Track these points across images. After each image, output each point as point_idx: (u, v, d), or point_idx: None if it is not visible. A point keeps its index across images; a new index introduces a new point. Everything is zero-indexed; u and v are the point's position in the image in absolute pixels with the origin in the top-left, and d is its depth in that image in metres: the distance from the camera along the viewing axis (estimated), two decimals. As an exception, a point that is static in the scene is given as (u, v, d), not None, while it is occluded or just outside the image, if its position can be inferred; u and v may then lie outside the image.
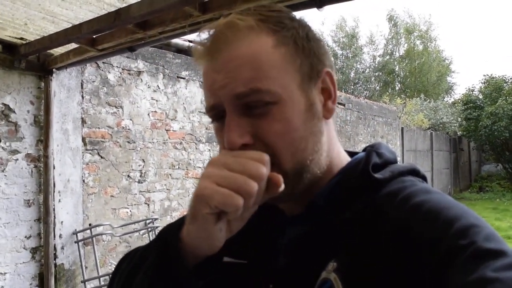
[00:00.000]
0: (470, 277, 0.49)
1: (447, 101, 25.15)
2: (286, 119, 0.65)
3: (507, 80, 18.93)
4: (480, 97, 19.46)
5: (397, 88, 28.34)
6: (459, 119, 19.16)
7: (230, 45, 0.64)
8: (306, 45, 0.68)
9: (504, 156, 18.39)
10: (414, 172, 0.71)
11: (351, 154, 0.79)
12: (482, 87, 19.63)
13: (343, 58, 27.76)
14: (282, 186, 0.62)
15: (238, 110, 0.65)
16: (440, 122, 17.54)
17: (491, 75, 19.44)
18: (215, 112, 0.68)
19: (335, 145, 0.74)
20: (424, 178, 0.72)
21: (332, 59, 0.75)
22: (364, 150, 0.76)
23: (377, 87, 28.09)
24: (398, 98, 19.52)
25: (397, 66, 28.13)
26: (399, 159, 11.90)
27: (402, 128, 12.61)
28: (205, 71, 0.68)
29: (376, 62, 28.23)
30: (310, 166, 0.67)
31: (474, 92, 20.31)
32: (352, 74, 27.60)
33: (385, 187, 0.66)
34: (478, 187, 19.02)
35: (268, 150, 0.63)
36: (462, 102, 20.02)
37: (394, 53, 28.40)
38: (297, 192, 0.68)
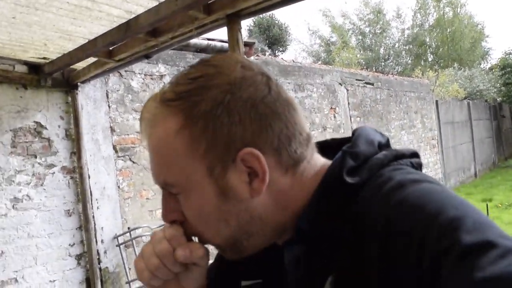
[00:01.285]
0: (459, 284, 0.46)
1: (484, 67, 24.26)
2: (195, 208, 0.66)
3: (545, 39, 18.05)
4: (518, 59, 18.70)
5: (429, 59, 27.54)
6: (498, 84, 18.48)
7: (147, 134, 0.67)
8: (213, 125, 0.62)
9: (549, 119, 17.62)
10: (396, 157, 0.67)
11: (338, 144, 0.74)
12: (520, 49, 18.83)
13: (370, 35, 27.20)
14: (196, 254, 0.70)
15: (165, 191, 0.69)
16: (477, 90, 16.96)
17: (528, 35, 18.59)
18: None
19: (307, 187, 0.68)
20: (413, 155, 0.69)
21: (275, 123, 0.64)
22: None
23: (409, 61, 27.38)
24: (431, 70, 18.96)
25: (427, 37, 27.27)
26: (435, 133, 11.63)
27: (437, 101, 12.28)
28: None
29: (406, 35, 27.49)
30: (244, 236, 0.67)
31: (511, 55, 19.51)
32: (382, 51, 26.98)
33: (363, 190, 0.63)
34: (524, 153, 18.36)
35: (195, 230, 0.69)
36: (500, 67, 19.29)
37: (424, 24, 27.55)
38: (252, 249, 0.70)
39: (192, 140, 0.62)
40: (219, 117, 0.61)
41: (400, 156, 0.68)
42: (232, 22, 2.44)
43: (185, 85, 0.64)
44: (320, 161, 0.71)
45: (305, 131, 0.68)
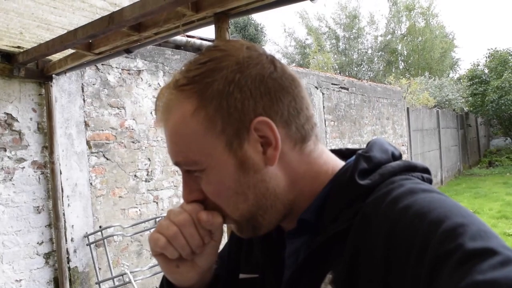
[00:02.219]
0: (459, 285, 0.47)
1: (452, 77, 24.93)
2: (216, 183, 0.69)
3: (512, 53, 18.69)
4: (486, 71, 19.26)
5: (400, 67, 28.10)
6: (465, 95, 19.00)
7: (165, 118, 0.71)
8: (227, 102, 0.66)
9: (513, 130, 18.23)
10: (409, 168, 0.70)
11: (352, 152, 0.78)
12: (487, 61, 19.40)
13: (345, 39, 27.52)
14: (216, 220, 0.72)
15: (185, 172, 0.72)
16: (446, 100, 17.40)
17: (496, 48, 19.20)
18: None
19: (311, 169, 0.73)
20: (424, 171, 0.71)
21: (283, 96, 0.70)
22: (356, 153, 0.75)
23: (381, 67, 27.87)
24: (403, 77, 19.34)
25: (399, 45, 27.84)
26: (405, 139, 11.85)
27: (408, 108, 12.52)
28: None
29: (378, 42, 27.96)
30: (259, 211, 0.70)
31: (479, 66, 20.09)
32: (355, 56, 27.37)
33: (373, 192, 0.65)
34: (487, 162, 18.93)
35: (215, 206, 0.71)
36: (468, 77, 19.81)
37: (396, 31, 28.10)
38: (266, 226, 0.73)
39: (208, 119, 0.67)
40: (232, 94, 0.66)
41: (412, 168, 0.70)
42: (221, 20, 2.37)
43: (196, 70, 0.68)
44: (332, 158, 0.76)
45: (311, 108, 0.74)
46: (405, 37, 27.58)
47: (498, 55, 18.74)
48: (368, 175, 0.67)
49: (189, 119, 0.67)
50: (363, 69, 27.37)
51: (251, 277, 0.83)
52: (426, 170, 0.71)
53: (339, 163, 0.75)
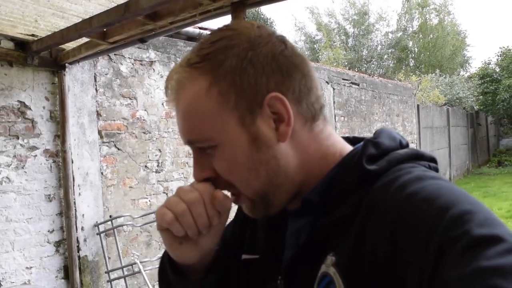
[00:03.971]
0: (464, 270, 0.47)
1: (462, 75, 24.71)
2: (229, 159, 0.69)
3: (524, 52, 18.49)
4: (497, 70, 19.10)
5: (411, 64, 27.90)
6: (476, 93, 18.84)
7: (177, 97, 0.71)
8: (240, 78, 0.67)
9: (523, 129, 18.06)
10: (416, 157, 0.69)
11: (359, 140, 0.79)
12: (499, 59, 19.23)
13: (354, 36, 27.36)
14: (228, 202, 0.72)
15: (197, 150, 0.72)
16: (457, 98, 17.28)
17: (508, 47, 19.03)
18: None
19: (320, 149, 0.73)
20: (431, 160, 0.71)
21: (294, 72, 0.70)
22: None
23: (391, 64, 27.69)
24: (413, 74, 19.21)
25: (410, 42, 27.62)
26: (415, 136, 11.78)
27: (418, 105, 12.43)
28: None
29: (389, 39, 27.76)
30: (271, 189, 0.71)
31: (490, 65, 19.92)
32: (365, 52, 27.20)
33: (380, 178, 0.65)
34: (496, 161, 18.79)
35: (227, 184, 0.72)
36: (479, 76, 19.66)
37: (407, 28, 27.88)
38: (278, 205, 0.73)
39: (221, 95, 0.67)
40: (245, 70, 0.67)
41: (420, 156, 0.70)
42: (238, 10, 2.35)
43: (208, 48, 0.69)
44: (340, 141, 0.76)
45: (319, 88, 0.74)
46: (417, 34, 27.36)
47: (510, 54, 18.58)
48: (376, 161, 0.67)
49: (202, 95, 0.67)
50: (373, 65, 27.22)
51: (252, 258, 0.84)
52: (433, 159, 0.71)
53: (347, 147, 0.76)
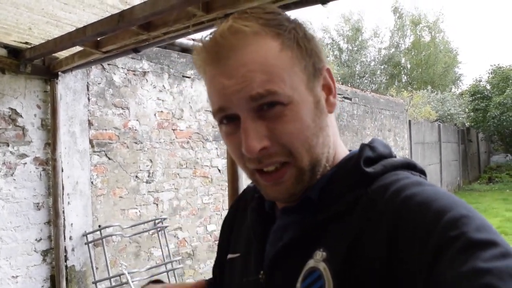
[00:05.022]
0: (461, 269, 0.48)
1: (454, 92, 24.96)
2: (299, 119, 0.67)
3: (515, 70, 18.72)
4: (488, 87, 19.33)
5: (403, 80, 28.15)
6: (467, 110, 19.02)
7: (238, 51, 0.66)
8: (307, 46, 0.71)
9: (513, 147, 18.21)
10: (409, 166, 0.72)
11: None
12: (490, 77, 19.46)
13: (348, 51, 27.60)
14: None
15: (253, 114, 0.67)
16: (448, 114, 17.42)
17: (498, 65, 19.30)
18: (224, 115, 0.70)
19: (337, 139, 0.78)
20: (422, 172, 0.72)
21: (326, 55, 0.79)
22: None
23: (383, 80, 27.93)
24: (405, 90, 19.38)
25: (403, 59, 27.92)
26: (406, 152, 11.85)
27: (410, 121, 12.52)
28: (211, 76, 0.69)
29: (382, 55, 28.05)
30: (322, 160, 0.72)
31: (481, 82, 20.15)
32: (358, 68, 27.43)
33: (377, 181, 0.67)
34: (487, 178, 18.90)
35: (284, 150, 0.68)
36: (470, 93, 19.87)
37: (400, 45, 28.19)
38: (311, 182, 0.72)
39: (295, 57, 0.69)
40: (310, 41, 0.72)
41: (412, 166, 0.72)
42: (231, 22, 2.37)
43: (269, 15, 0.70)
44: (341, 144, 0.79)
45: None
46: (409, 51, 27.66)
47: (501, 72, 18.81)
48: (372, 164, 0.69)
49: (278, 53, 0.67)
50: (366, 81, 27.42)
51: (236, 256, 0.85)
52: (423, 172, 0.73)
53: (345, 149, 0.79)
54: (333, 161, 0.75)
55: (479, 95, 18.71)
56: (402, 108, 12.11)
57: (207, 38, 0.70)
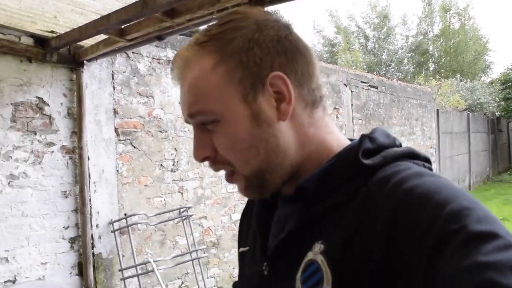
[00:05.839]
0: (461, 263, 0.48)
1: (484, 80, 24.30)
2: (231, 134, 0.70)
3: (548, 57, 18.06)
4: (520, 75, 18.70)
5: (431, 68, 27.56)
6: (497, 99, 18.50)
7: (182, 74, 0.73)
8: (246, 57, 0.69)
9: (546, 136, 17.65)
10: (412, 155, 0.70)
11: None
12: (522, 64, 18.83)
13: (374, 39, 27.13)
14: None
15: (198, 127, 0.73)
16: (477, 103, 16.98)
17: (532, 52, 18.60)
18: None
19: (318, 135, 0.75)
20: (426, 161, 0.72)
21: (294, 55, 0.73)
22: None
23: (411, 69, 27.39)
24: (433, 79, 18.95)
25: (431, 46, 27.30)
26: (434, 141, 11.60)
27: (438, 110, 12.24)
28: None
29: (409, 43, 27.47)
30: (269, 168, 0.71)
31: (513, 70, 19.51)
32: (385, 56, 26.96)
33: (378, 172, 0.66)
34: (518, 169, 18.39)
35: (225, 161, 0.72)
36: (500, 81, 19.28)
37: (428, 32, 27.54)
38: (273, 186, 0.74)
39: (227, 72, 0.69)
40: (252, 50, 0.69)
41: (415, 155, 0.71)
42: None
43: (217, 29, 0.71)
44: (337, 133, 0.78)
45: (321, 78, 0.77)
46: (438, 38, 27.02)
47: (534, 59, 18.15)
48: (371, 156, 0.68)
49: (209, 71, 0.69)
50: (392, 69, 26.96)
51: (246, 250, 0.88)
52: (427, 160, 0.72)
53: (346, 141, 0.78)
54: (322, 156, 0.74)
55: (511, 84, 18.13)
56: (430, 97, 11.83)
57: (172, 62, 0.76)
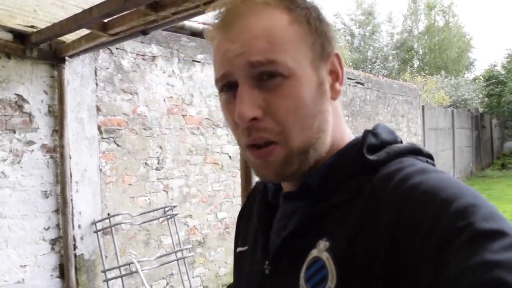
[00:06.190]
0: (468, 262, 0.46)
1: (467, 77, 24.56)
2: (298, 95, 0.65)
3: (531, 54, 18.32)
4: (503, 72, 18.93)
5: (416, 65, 27.77)
6: (481, 95, 18.71)
7: (246, 18, 0.65)
8: (318, 26, 0.68)
9: (528, 133, 17.91)
10: (415, 151, 0.69)
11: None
12: (505, 62, 19.06)
13: (360, 36, 27.22)
14: None
15: (251, 81, 0.65)
16: (462, 99, 17.14)
17: (515, 49, 18.83)
18: (225, 82, 0.68)
19: (340, 126, 0.74)
20: (429, 157, 0.70)
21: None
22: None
23: (396, 66, 27.56)
24: (418, 76, 19.09)
25: (416, 43, 27.50)
26: (420, 137, 11.66)
27: (423, 106, 12.31)
28: (217, 42, 0.68)
29: (395, 40, 27.63)
30: (316, 145, 0.68)
31: (496, 67, 19.75)
32: (370, 53, 27.09)
33: (381, 169, 0.64)
34: (500, 164, 18.68)
35: (276, 127, 0.65)
36: (484, 78, 19.53)
37: (413, 30, 27.73)
38: (302, 170, 0.69)
39: (303, 33, 0.66)
40: (323, 22, 0.69)
41: (418, 151, 0.69)
42: (244, 1, 2.24)
43: None
44: (346, 133, 0.75)
45: None
46: (423, 36, 27.23)
47: (517, 56, 18.40)
48: (375, 152, 0.67)
49: (286, 25, 0.65)
50: (378, 66, 27.10)
51: (243, 250, 0.85)
52: (430, 156, 0.70)
53: (350, 135, 0.76)
54: (330, 149, 0.71)
55: (494, 80, 18.38)
56: (416, 94, 11.89)
57: (220, 9, 0.69)
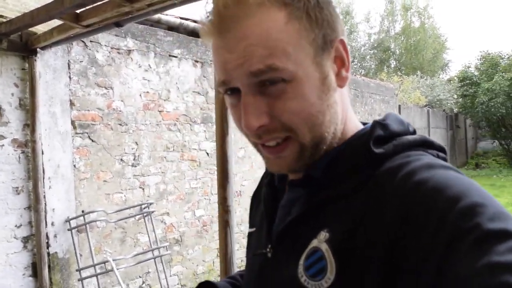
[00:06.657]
0: (474, 264, 0.45)
1: (442, 78, 24.99)
2: (302, 97, 0.63)
3: (503, 56, 18.69)
4: (476, 73, 19.28)
5: (392, 65, 28.14)
6: (455, 96, 19.03)
7: (240, 23, 0.62)
8: (318, 16, 0.65)
9: (500, 133, 18.29)
10: (425, 144, 0.67)
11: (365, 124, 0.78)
12: (478, 63, 19.43)
13: (337, 36, 27.49)
14: None
15: (253, 90, 0.64)
16: (437, 99, 17.42)
17: (487, 51, 19.22)
18: (227, 88, 0.67)
19: (347, 113, 0.73)
20: (440, 150, 0.68)
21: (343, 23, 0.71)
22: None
23: (373, 65, 27.87)
24: (395, 75, 19.34)
25: (392, 44, 27.87)
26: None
27: (400, 106, 12.47)
28: (215, 48, 0.66)
29: (372, 40, 27.95)
30: (327, 138, 0.67)
31: (470, 68, 20.12)
32: (347, 53, 27.36)
33: (387, 162, 0.63)
34: (474, 164, 19.00)
35: (285, 128, 0.64)
36: (458, 78, 19.83)
37: (390, 30, 28.11)
38: (312, 161, 0.69)
39: (303, 30, 0.63)
40: (324, 10, 0.65)
41: (429, 144, 0.68)
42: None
43: None
44: (352, 119, 0.74)
45: None
46: (399, 36, 27.62)
47: (490, 58, 18.76)
48: (383, 144, 0.65)
49: (283, 26, 0.62)
50: (355, 66, 27.36)
51: (252, 231, 0.87)
52: (442, 149, 0.69)
53: (358, 124, 0.75)
54: (340, 137, 0.71)
55: (468, 81, 18.66)
56: (392, 93, 12.03)
57: (211, 8, 0.65)
